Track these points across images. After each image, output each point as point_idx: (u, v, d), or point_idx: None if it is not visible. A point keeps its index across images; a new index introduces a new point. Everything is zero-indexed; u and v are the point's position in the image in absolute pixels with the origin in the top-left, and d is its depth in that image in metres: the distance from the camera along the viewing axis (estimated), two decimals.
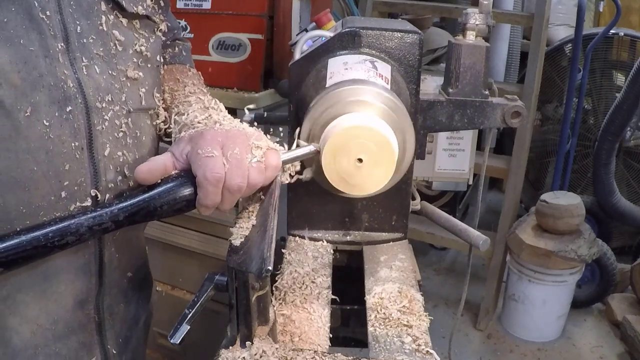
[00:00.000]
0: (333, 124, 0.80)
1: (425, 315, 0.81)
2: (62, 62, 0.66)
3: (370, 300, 0.84)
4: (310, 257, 0.95)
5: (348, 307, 0.91)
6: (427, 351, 0.73)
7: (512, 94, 0.99)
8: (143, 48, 0.78)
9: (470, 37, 0.95)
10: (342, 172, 0.79)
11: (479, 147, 1.39)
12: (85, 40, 0.69)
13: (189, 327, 0.66)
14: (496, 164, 2.41)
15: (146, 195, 0.66)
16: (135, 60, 0.77)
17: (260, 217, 0.69)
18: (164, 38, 0.88)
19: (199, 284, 0.69)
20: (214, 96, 0.85)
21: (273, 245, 0.63)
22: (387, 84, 0.87)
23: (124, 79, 0.74)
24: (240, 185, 0.67)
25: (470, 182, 1.21)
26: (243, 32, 1.73)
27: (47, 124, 0.64)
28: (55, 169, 0.66)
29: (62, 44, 0.66)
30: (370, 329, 0.78)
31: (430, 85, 1.05)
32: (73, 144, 0.67)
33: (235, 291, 0.64)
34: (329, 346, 0.77)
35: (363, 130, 0.77)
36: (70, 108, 0.66)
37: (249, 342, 0.66)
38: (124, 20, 0.75)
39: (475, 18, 0.95)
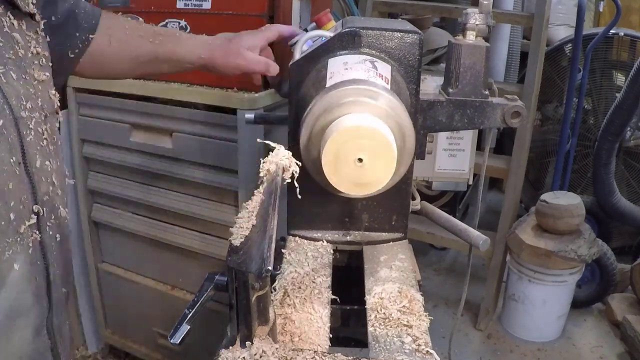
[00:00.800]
0: (333, 124, 0.80)
1: (425, 315, 0.81)
2: None
3: (370, 300, 0.84)
4: (310, 257, 0.95)
5: (348, 307, 0.90)
6: (427, 351, 0.73)
7: (512, 94, 0.99)
8: (39, 49, 0.73)
9: (470, 37, 0.95)
10: (342, 172, 0.79)
11: (479, 147, 1.39)
12: None
13: (189, 327, 0.66)
14: (496, 164, 2.40)
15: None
16: (36, 62, 0.72)
17: (260, 217, 0.69)
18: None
19: (199, 284, 0.69)
20: (215, 96, 0.84)
21: (273, 245, 0.63)
22: (387, 84, 0.87)
23: (35, 82, 0.71)
24: None
25: (470, 182, 1.21)
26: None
27: None
28: (0, 190, 0.62)
29: None
30: (370, 329, 0.78)
31: (430, 85, 1.05)
32: (11, 160, 0.64)
33: (235, 291, 0.64)
34: (329, 346, 0.76)
35: (363, 130, 0.77)
36: (2, 122, 0.62)
37: (249, 342, 0.66)
38: (15, 22, 0.70)
39: (475, 18, 0.95)
